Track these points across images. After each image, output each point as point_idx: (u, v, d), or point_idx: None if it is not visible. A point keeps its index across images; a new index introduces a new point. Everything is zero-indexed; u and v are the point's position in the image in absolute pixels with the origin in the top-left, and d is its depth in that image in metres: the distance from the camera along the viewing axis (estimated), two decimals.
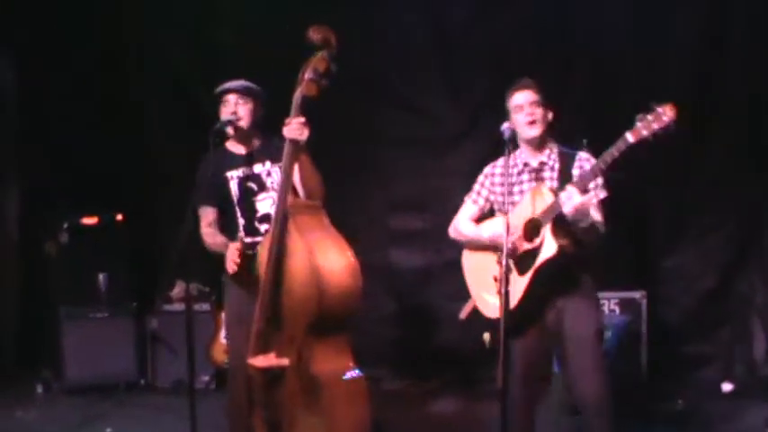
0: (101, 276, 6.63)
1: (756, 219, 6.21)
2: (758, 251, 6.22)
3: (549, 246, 3.85)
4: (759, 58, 5.99)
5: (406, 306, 6.75)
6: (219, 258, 4.36)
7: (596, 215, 3.90)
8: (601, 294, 5.53)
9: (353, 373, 3.98)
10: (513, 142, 3.78)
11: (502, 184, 4.11)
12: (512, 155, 4.06)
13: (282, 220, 4.00)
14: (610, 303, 5.86)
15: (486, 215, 4.29)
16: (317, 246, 3.91)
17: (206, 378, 6.36)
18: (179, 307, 6.56)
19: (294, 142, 4.03)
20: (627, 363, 5.51)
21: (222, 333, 6.14)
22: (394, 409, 5.90)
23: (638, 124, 3.63)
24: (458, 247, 6.56)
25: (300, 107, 4.05)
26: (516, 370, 4.00)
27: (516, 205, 4.03)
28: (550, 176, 4.06)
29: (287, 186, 4.04)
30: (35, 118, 6.89)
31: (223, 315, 6.09)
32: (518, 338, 3.96)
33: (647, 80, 6.18)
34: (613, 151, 3.69)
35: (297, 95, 4.05)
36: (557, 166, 4.06)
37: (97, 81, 6.87)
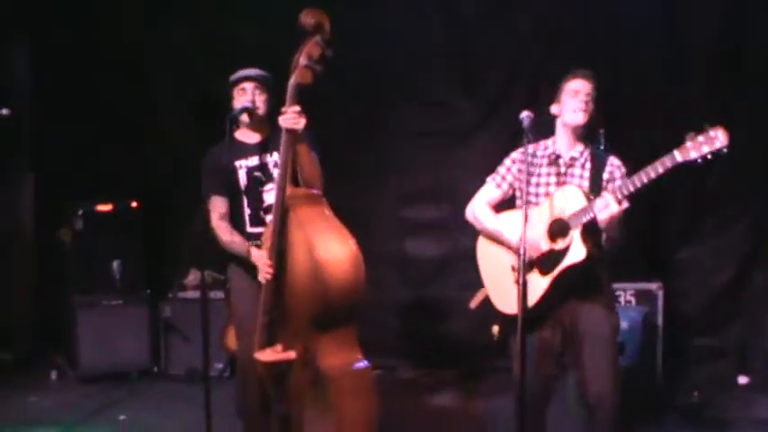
0: (115, 264, 6.63)
1: None
2: None
3: (577, 251, 3.77)
4: None
5: (421, 296, 6.73)
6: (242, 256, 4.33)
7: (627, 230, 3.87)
8: (617, 285, 5.58)
9: (360, 365, 3.95)
10: (531, 131, 3.71)
11: (530, 173, 3.98)
12: (540, 143, 4.05)
13: (282, 212, 3.96)
14: (626, 294, 5.85)
15: (507, 202, 4.18)
16: (317, 238, 3.85)
17: (220, 366, 6.36)
18: (193, 294, 6.57)
19: (291, 132, 3.95)
20: (643, 354, 5.46)
21: None
22: (408, 398, 5.93)
23: (688, 144, 3.52)
24: (472, 236, 6.60)
25: (295, 95, 3.96)
26: (529, 364, 3.85)
27: (542, 202, 3.96)
28: (580, 174, 3.97)
29: (285, 177, 3.97)
30: (49, 106, 6.89)
31: None
32: (533, 333, 3.88)
33: (665, 78, 6.14)
34: (657, 166, 3.60)
35: (291, 83, 3.96)
36: (588, 165, 3.98)
37: (112, 70, 6.86)
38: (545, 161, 4.04)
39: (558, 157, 4.01)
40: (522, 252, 3.52)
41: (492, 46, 6.51)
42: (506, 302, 4.00)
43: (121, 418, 5.68)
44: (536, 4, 6.40)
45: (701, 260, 6.23)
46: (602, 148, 3.89)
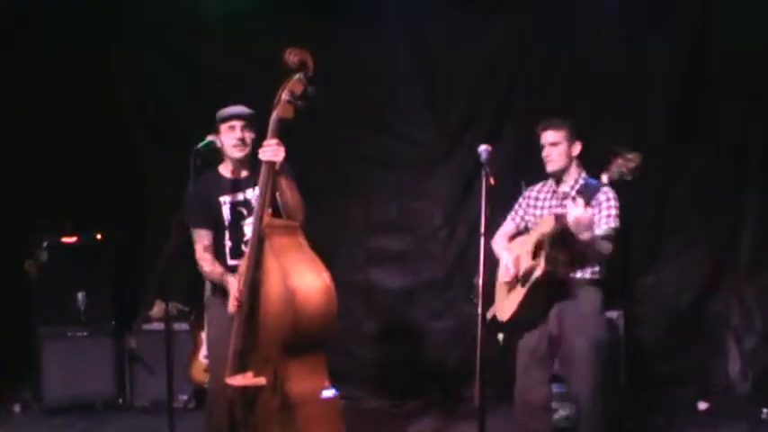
0: (79, 295, 6.60)
1: (732, 239, 6.26)
2: (733, 270, 6.27)
3: (539, 267, 4.22)
4: (740, 78, 6.07)
5: (386, 326, 6.76)
6: (199, 278, 4.39)
7: (607, 245, 4.31)
8: None
9: (329, 393, 4.02)
10: (489, 165, 3.84)
11: (535, 207, 4.68)
12: (549, 181, 4.66)
13: (258, 241, 4.04)
14: None
15: (522, 232, 4.75)
16: (291, 268, 3.94)
17: (185, 397, 6.34)
18: (158, 326, 6.53)
19: (270, 164, 4.07)
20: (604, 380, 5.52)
21: (202, 352, 6.17)
22: (375, 428, 5.92)
23: (612, 168, 3.97)
24: (436, 267, 6.68)
25: (276, 129, 4.09)
26: (520, 369, 4.45)
27: (537, 226, 4.49)
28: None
29: (263, 207, 4.07)
30: (14, 136, 6.85)
31: (203, 334, 6.14)
32: (522, 339, 4.45)
33: (630, 105, 6.24)
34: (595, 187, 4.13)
35: (273, 117, 4.09)
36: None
37: (80, 100, 6.85)
38: (549, 195, 4.65)
39: (555, 192, 4.61)
40: (480, 282, 3.71)
41: (456, 77, 6.59)
42: (502, 311, 4.51)
43: None
44: (500, 36, 6.49)
45: (661, 286, 6.32)
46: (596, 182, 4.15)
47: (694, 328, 6.30)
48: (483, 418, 3.59)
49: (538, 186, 4.74)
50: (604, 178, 3.99)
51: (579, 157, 4.56)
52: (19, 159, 6.85)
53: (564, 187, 4.55)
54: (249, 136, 4.46)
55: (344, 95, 6.49)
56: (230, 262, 4.45)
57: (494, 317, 4.54)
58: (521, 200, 4.79)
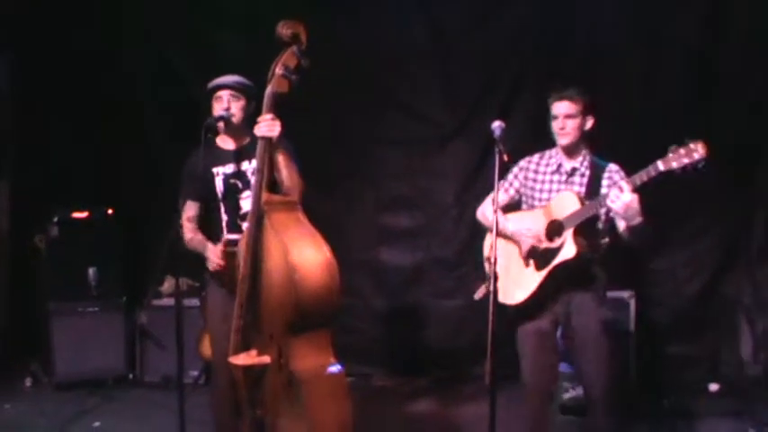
0: (90, 271, 6.61)
1: (744, 222, 6.26)
2: (745, 253, 6.27)
3: (568, 248, 4.08)
4: (755, 63, 6.03)
5: (396, 304, 6.76)
6: (203, 254, 4.39)
7: (621, 224, 4.12)
8: None
9: (334, 369, 4.00)
10: (502, 141, 3.80)
11: (535, 180, 4.41)
12: (546, 152, 4.40)
13: (258, 218, 4.02)
14: None
15: (514, 205, 4.49)
16: (292, 243, 3.90)
17: (195, 373, 6.36)
18: (168, 302, 6.54)
19: (266, 139, 4.04)
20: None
21: None
22: (384, 405, 5.95)
23: (670, 155, 3.77)
24: (445, 245, 6.65)
25: (271, 104, 4.05)
26: (528, 353, 4.30)
27: (535, 207, 4.34)
28: (580, 182, 4.28)
29: (260, 184, 4.04)
30: (27, 112, 6.86)
31: None
32: (530, 322, 4.27)
33: (644, 83, 6.21)
34: (642, 175, 3.87)
35: (267, 92, 4.05)
36: (587, 173, 4.27)
37: (92, 78, 6.84)
38: (550, 169, 4.38)
39: (560, 166, 4.35)
40: (492, 260, 3.65)
41: (470, 55, 6.54)
42: (509, 294, 4.27)
43: (96, 425, 5.68)
44: (515, 16, 6.44)
45: (673, 269, 6.30)
46: (605, 162, 4.14)
47: (706, 310, 6.30)
48: (494, 396, 3.57)
49: (535, 158, 4.46)
50: (660, 165, 3.78)
51: (590, 133, 4.34)
52: (30, 136, 6.86)
53: (572, 163, 4.31)
54: (237, 105, 4.40)
55: (356, 74, 6.47)
56: (228, 236, 4.41)
57: (485, 295, 4.27)
58: (516, 170, 4.48)
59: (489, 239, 4.41)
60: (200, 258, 4.45)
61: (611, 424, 4.23)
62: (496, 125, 3.85)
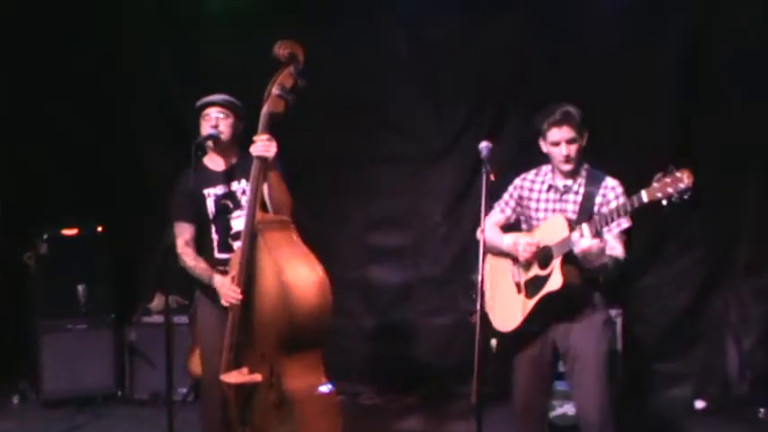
0: (80, 288, 6.59)
1: (730, 238, 6.30)
2: (731, 270, 6.30)
3: (555, 279, 3.93)
4: (738, 81, 6.10)
5: (386, 322, 6.76)
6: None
7: (617, 246, 3.97)
8: None
9: (325, 389, 4.01)
10: (489, 161, 3.81)
11: (530, 198, 4.26)
12: (542, 168, 4.24)
13: (251, 237, 4.03)
14: None
15: (513, 225, 4.38)
16: (285, 263, 3.93)
17: (184, 390, 6.34)
18: (158, 319, 6.54)
19: (262, 159, 4.05)
20: None
21: None
22: (373, 424, 5.94)
23: (655, 185, 3.60)
24: (435, 263, 6.67)
25: (267, 124, 4.07)
26: (520, 379, 4.20)
27: (536, 227, 4.17)
28: (574, 200, 4.13)
29: (255, 203, 4.06)
30: (17, 129, 6.86)
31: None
32: (524, 348, 4.15)
33: (627, 96, 6.26)
34: (627, 205, 3.74)
35: (264, 112, 4.07)
36: (581, 190, 4.11)
37: (82, 94, 6.85)
38: (544, 187, 4.22)
39: (551, 185, 4.18)
40: (479, 280, 3.64)
41: (459, 74, 6.57)
42: (502, 320, 4.17)
43: None
44: (503, 34, 6.48)
45: (660, 287, 6.34)
46: (602, 174, 4.00)
47: (693, 327, 6.32)
48: (480, 415, 3.59)
49: (530, 176, 4.30)
50: (644, 196, 3.63)
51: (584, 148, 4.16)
52: (19, 152, 6.86)
53: (565, 180, 4.14)
54: (226, 123, 4.40)
55: (345, 91, 6.50)
56: (218, 255, 4.42)
57: (486, 317, 4.22)
58: (511, 189, 4.35)
59: (489, 262, 4.30)
60: (189, 276, 4.45)
61: None
62: (483, 145, 3.85)
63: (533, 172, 4.30)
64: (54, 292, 6.56)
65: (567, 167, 4.10)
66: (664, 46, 6.24)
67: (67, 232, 6.64)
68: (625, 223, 3.97)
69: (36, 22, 6.71)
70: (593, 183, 4.09)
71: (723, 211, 6.24)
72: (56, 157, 6.92)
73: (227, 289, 4.13)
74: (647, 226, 6.29)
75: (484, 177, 3.78)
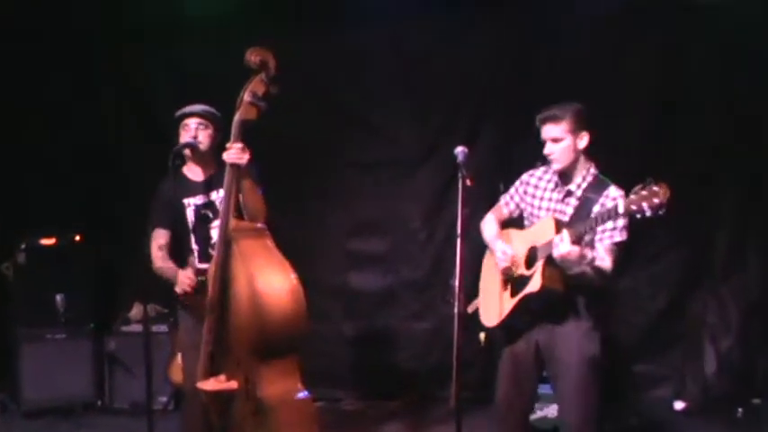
0: (58, 297, 6.57)
1: (708, 240, 6.34)
2: (709, 271, 6.34)
3: (535, 281, 3.93)
4: (716, 82, 6.15)
5: (366, 328, 6.77)
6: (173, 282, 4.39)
7: (606, 258, 3.91)
8: None
9: (301, 395, 4.03)
10: (465, 166, 3.81)
11: (534, 195, 4.21)
12: (551, 167, 4.13)
13: (225, 244, 4.05)
14: None
15: (516, 220, 4.35)
16: (258, 271, 3.95)
17: (164, 399, 6.32)
18: (137, 328, 6.52)
19: (235, 167, 4.07)
20: None
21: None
22: (354, 429, 5.94)
23: (632, 197, 3.54)
24: (415, 269, 6.68)
25: (240, 131, 4.08)
26: (503, 377, 4.19)
27: (532, 225, 4.16)
28: (574, 204, 4.06)
29: (228, 210, 4.08)
30: None
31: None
32: (508, 347, 4.15)
33: (603, 99, 6.25)
34: (604, 215, 3.70)
35: (236, 120, 4.09)
36: (581, 195, 4.05)
37: (61, 102, 6.82)
38: (550, 186, 4.17)
39: (557, 184, 4.14)
40: (456, 284, 3.67)
41: (436, 80, 6.59)
42: (487, 314, 4.21)
43: None
44: (479, 39, 6.49)
45: (638, 288, 6.35)
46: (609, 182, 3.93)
47: (671, 328, 6.36)
48: (459, 419, 3.61)
49: (539, 172, 4.24)
50: (621, 207, 3.55)
51: (587, 149, 4.08)
52: None
53: (570, 186, 4.07)
54: (205, 134, 4.43)
55: (324, 97, 6.51)
56: (198, 265, 4.45)
57: (475, 312, 4.33)
58: (518, 185, 4.31)
59: (486, 256, 4.34)
60: (169, 285, 4.45)
61: None
62: (459, 150, 3.85)
63: (542, 169, 4.24)
64: (32, 302, 6.53)
65: (555, 166, 4.07)
66: (644, 51, 6.27)
67: (46, 242, 6.61)
68: (618, 237, 3.92)
69: (17, 27, 6.68)
70: (595, 190, 4.02)
71: (701, 211, 6.26)
72: (34, 166, 6.87)
73: (183, 276, 4.19)
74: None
75: (460, 182, 3.78)
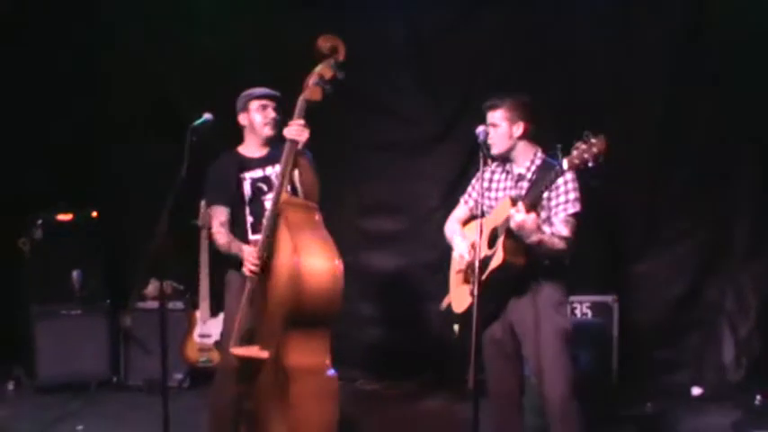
0: (74, 273, 6.59)
1: (726, 225, 6.29)
2: (728, 257, 6.30)
3: (497, 256, 3.99)
4: (731, 67, 6.08)
5: (381, 308, 6.78)
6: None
7: (564, 230, 4.02)
8: (573, 298, 5.68)
9: (328, 373, 4.04)
10: (486, 146, 3.84)
11: (489, 188, 4.32)
12: (500, 163, 4.25)
13: (275, 215, 4.12)
14: (582, 307, 5.94)
15: (476, 216, 4.33)
16: (302, 244, 3.99)
17: (179, 376, 6.35)
18: (153, 305, 6.54)
19: (293, 143, 4.21)
20: (598, 366, 5.54)
21: (196, 331, 6.18)
22: (371, 409, 5.94)
23: (573, 152, 3.70)
24: (430, 248, 6.68)
25: (303, 110, 4.24)
26: (487, 360, 4.26)
27: (492, 211, 4.20)
28: (527, 187, 4.14)
29: (283, 182, 4.17)
30: (8, 115, 6.82)
31: (197, 313, 6.15)
32: (487, 330, 4.20)
33: (622, 82, 6.27)
34: (552, 176, 3.83)
35: (300, 99, 4.24)
36: (533, 178, 4.15)
37: (74, 80, 6.82)
38: (503, 176, 4.29)
39: (509, 172, 4.26)
40: (476, 265, 3.68)
41: (452, 60, 6.57)
42: (456, 301, 4.33)
43: (79, 428, 5.65)
44: (498, 20, 6.47)
45: (656, 273, 6.34)
46: (557, 162, 3.92)
47: (689, 314, 6.33)
48: (477, 400, 3.58)
49: (493, 166, 4.35)
50: (565, 164, 3.72)
51: (527, 136, 4.20)
52: (15, 138, 6.82)
53: (518, 169, 4.22)
54: (278, 116, 4.60)
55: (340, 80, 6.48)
56: (251, 237, 4.52)
57: (449, 306, 4.42)
58: (474, 181, 4.41)
59: (455, 252, 4.46)
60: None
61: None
62: (480, 130, 3.92)
63: (496, 163, 4.35)
64: (49, 278, 6.57)
65: (493, 150, 4.19)
66: (661, 28, 6.23)
67: (62, 217, 6.63)
68: (572, 208, 4.05)
69: (36, 12, 6.69)
70: (545, 170, 4.09)
71: (720, 197, 6.24)
72: (50, 142, 6.87)
73: (250, 256, 4.22)
74: (642, 212, 6.33)
75: (481, 161, 3.83)
